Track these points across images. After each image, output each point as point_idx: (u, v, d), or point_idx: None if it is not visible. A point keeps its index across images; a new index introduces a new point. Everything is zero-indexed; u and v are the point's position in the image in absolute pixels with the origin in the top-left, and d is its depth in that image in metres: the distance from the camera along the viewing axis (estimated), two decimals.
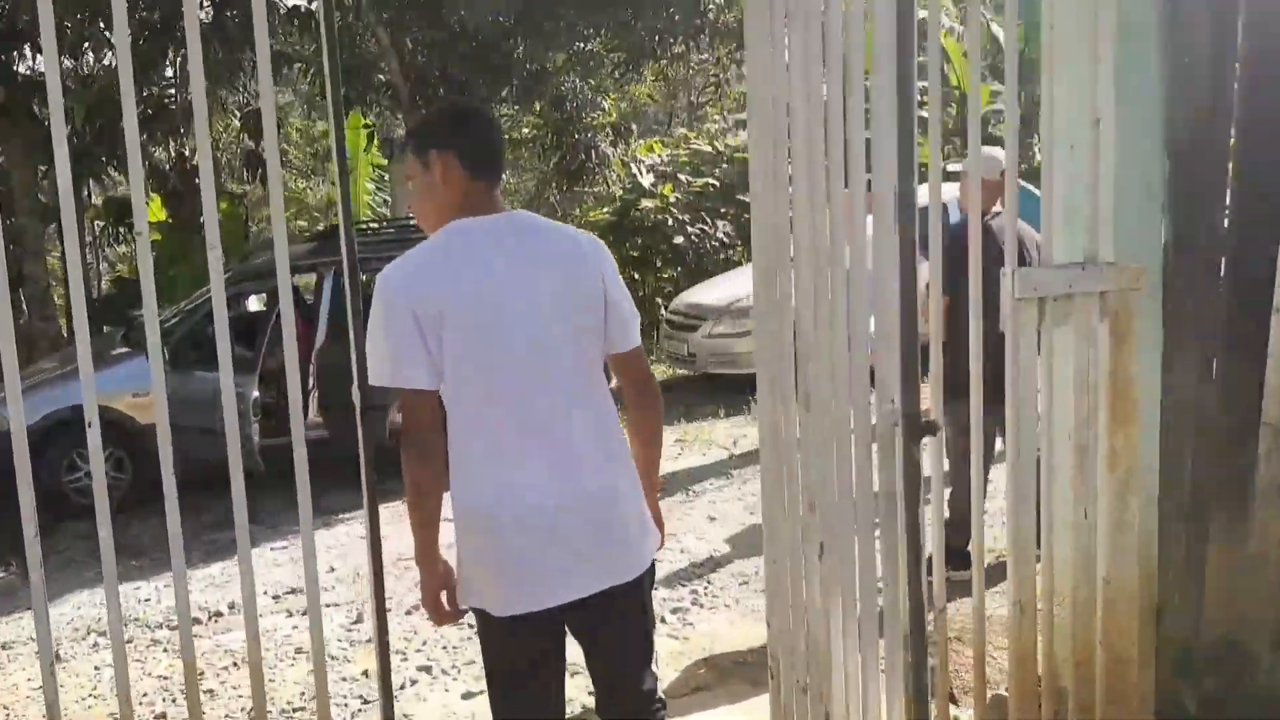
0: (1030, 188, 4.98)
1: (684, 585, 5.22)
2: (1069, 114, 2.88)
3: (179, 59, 10.36)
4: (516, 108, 11.11)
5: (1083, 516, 2.91)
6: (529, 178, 23.04)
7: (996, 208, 4.85)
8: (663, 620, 4.81)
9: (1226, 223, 3.12)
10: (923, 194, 2.62)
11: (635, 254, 13.82)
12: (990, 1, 10.92)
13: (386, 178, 14.70)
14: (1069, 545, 2.93)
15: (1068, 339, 2.86)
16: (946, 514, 4.21)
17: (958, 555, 3.65)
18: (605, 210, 14.38)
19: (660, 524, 2.49)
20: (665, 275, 13.48)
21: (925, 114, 2.71)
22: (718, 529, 6.05)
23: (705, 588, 5.18)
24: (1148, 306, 2.97)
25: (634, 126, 14.77)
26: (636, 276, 13.86)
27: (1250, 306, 3.14)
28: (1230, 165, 3.09)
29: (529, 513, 2.19)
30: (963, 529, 3.84)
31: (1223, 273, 3.14)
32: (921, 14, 2.66)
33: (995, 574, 3.18)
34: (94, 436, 2.10)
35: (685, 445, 8.00)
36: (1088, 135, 2.85)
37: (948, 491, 4.75)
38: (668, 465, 7.53)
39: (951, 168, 5.47)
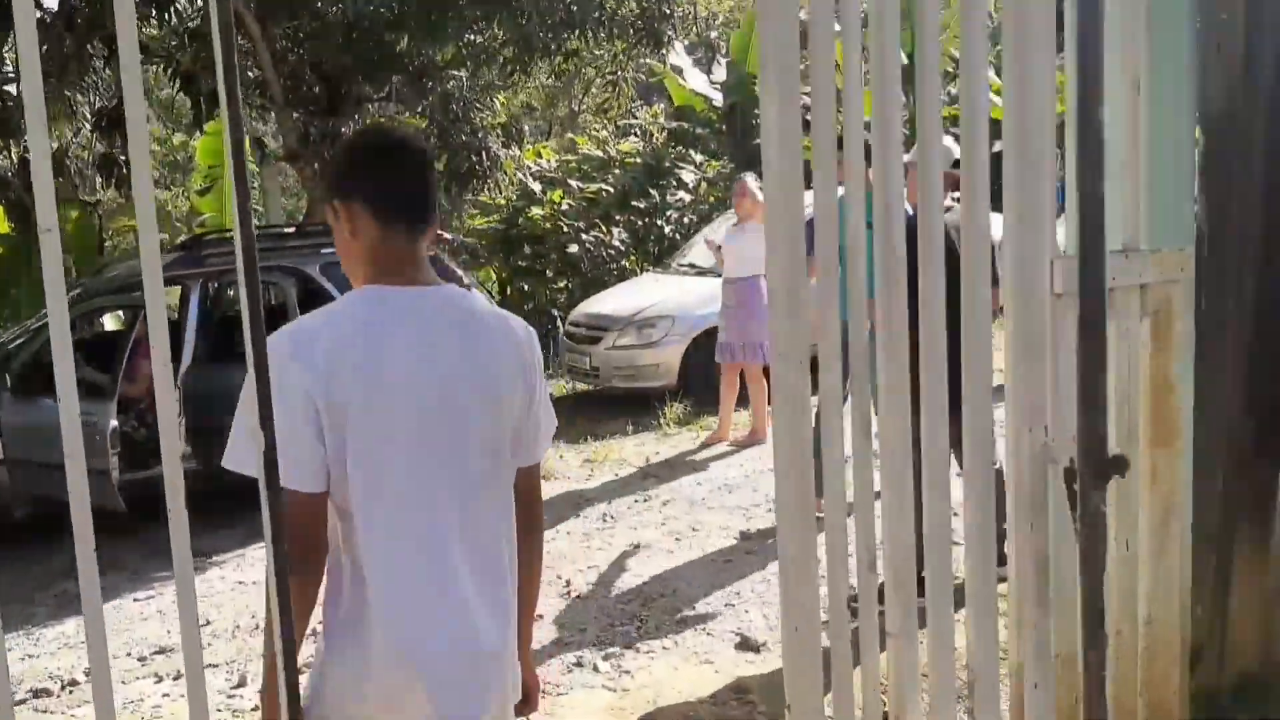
0: None
1: (615, 626, 4.68)
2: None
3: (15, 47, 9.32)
4: (399, 108, 10.43)
5: (1124, 548, 2.50)
6: None
7: (949, 201, 4.47)
8: (595, 669, 4.26)
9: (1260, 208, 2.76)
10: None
11: (524, 264, 13.24)
12: None
13: (257, 184, 13.78)
14: (1109, 583, 2.51)
15: (1108, 341, 2.43)
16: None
17: None
18: (492, 218, 13.76)
19: (535, 687, 2.04)
20: (559, 285, 12.94)
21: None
22: (643, 559, 5.52)
23: (639, 628, 4.64)
24: (1185, 304, 2.57)
25: (525, 128, 14.19)
26: (526, 287, 13.28)
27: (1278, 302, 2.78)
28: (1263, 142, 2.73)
29: (442, 658, 1.76)
30: None
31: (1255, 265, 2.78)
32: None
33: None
34: None
35: (595, 465, 7.46)
36: (1122, 102, 2.44)
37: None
38: (578, 486, 6.99)
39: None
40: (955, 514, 4.29)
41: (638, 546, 5.69)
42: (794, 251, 2.02)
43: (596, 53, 10.82)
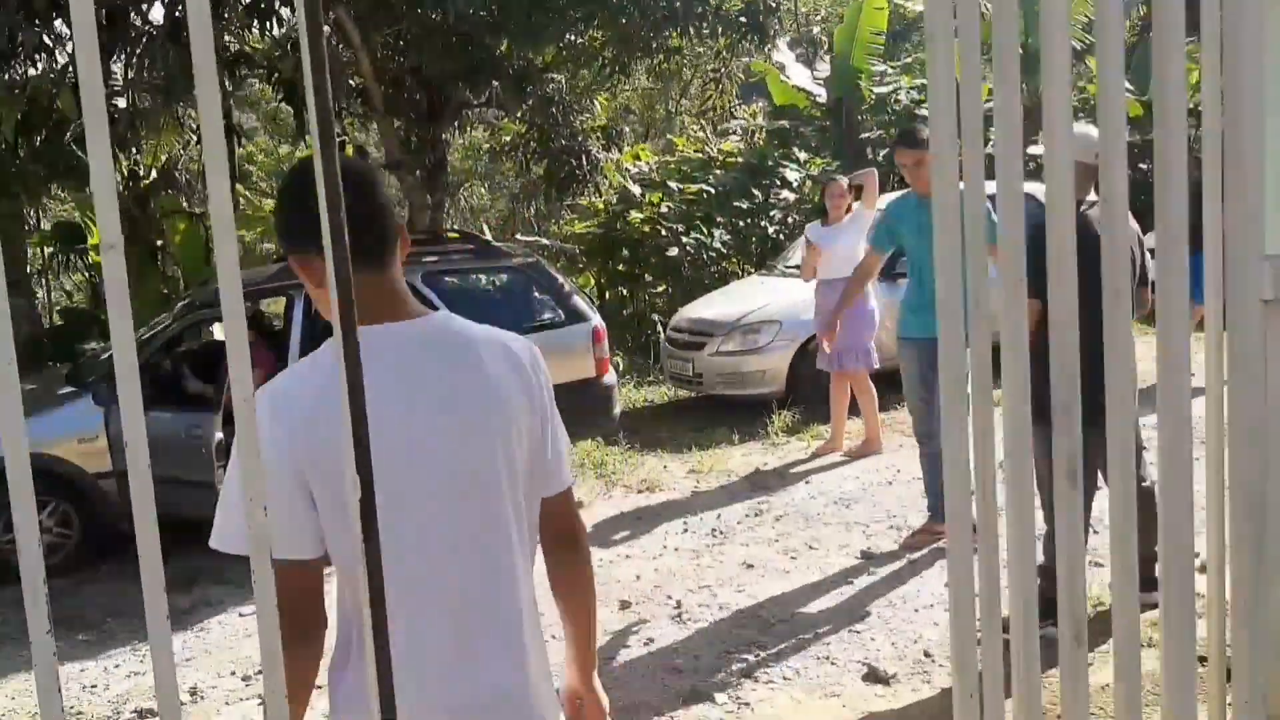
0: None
1: (732, 653, 4.41)
2: None
3: (125, 62, 9.46)
4: (499, 113, 10.30)
5: None
6: (499, 197, 22.18)
7: (1092, 196, 4.10)
8: (713, 700, 4.00)
9: None
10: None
11: (622, 268, 13.03)
12: None
13: None
14: None
15: None
16: (1041, 559, 3.44)
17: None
18: (590, 222, 13.59)
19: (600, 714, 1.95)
20: (658, 290, 12.69)
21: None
22: (756, 578, 5.24)
23: (757, 655, 4.37)
24: None
25: (626, 130, 13.98)
26: (625, 292, 13.08)
27: None
28: None
29: (464, 708, 1.65)
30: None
31: None
32: None
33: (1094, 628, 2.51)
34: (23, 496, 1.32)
35: (700, 476, 7.20)
36: None
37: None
38: (682, 496, 6.73)
39: (1032, 150, 4.74)
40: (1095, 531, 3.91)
41: (750, 566, 5.42)
42: (973, 236, 1.74)
43: (698, 50, 10.56)
